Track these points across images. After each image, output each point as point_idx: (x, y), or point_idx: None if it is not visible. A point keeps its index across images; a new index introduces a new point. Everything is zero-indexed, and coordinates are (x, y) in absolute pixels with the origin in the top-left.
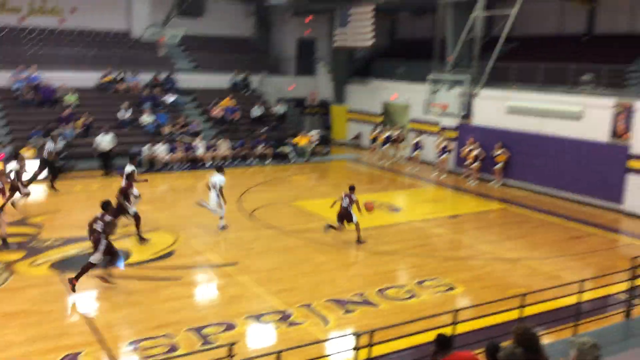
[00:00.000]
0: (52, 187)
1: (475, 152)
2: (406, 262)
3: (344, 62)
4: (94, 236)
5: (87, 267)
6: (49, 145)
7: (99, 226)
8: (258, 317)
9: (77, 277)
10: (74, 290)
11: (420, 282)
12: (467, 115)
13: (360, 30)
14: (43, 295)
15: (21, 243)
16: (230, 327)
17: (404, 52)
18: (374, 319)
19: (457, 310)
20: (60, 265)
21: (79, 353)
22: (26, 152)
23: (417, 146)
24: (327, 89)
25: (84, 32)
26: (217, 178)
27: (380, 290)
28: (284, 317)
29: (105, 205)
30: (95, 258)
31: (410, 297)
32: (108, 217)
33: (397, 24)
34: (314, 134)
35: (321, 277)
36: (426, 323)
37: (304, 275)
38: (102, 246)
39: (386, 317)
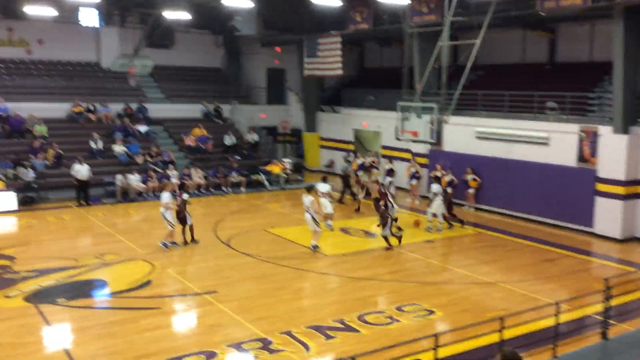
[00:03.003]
0: None
1: (447, 178)
2: (384, 288)
3: (314, 91)
4: None
5: None
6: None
7: None
8: (239, 345)
9: None
10: None
11: (399, 307)
12: (436, 141)
13: (329, 60)
14: (19, 328)
15: None
16: (211, 355)
17: (373, 81)
18: (356, 344)
19: (437, 335)
20: (34, 297)
21: None
22: None
23: (389, 173)
24: (299, 117)
25: (52, 63)
26: (307, 199)
27: (360, 315)
28: (265, 345)
29: None
30: None
31: (390, 323)
32: None
33: (365, 53)
34: (287, 162)
35: (300, 304)
36: (408, 348)
37: (283, 302)
38: None
39: (367, 342)
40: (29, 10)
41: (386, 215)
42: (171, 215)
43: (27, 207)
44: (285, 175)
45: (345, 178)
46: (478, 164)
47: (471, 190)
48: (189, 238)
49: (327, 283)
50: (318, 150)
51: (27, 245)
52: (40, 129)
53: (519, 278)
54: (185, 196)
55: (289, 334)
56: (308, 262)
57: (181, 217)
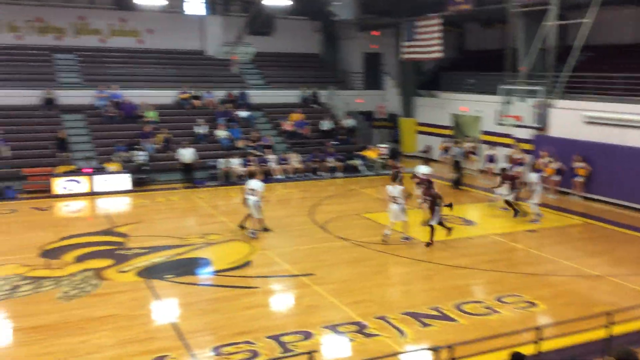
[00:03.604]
0: None
1: (554, 165)
2: (484, 277)
3: (411, 75)
4: None
5: None
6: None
7: None
8: (334, 327)
9: None
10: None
11: (499, 298)
12: (542, 126)
13: (427, 43)
14: (131, 301)
15: (109, 251)
16: (307, 335)
17: (473, 63)
18: (453, 333)
19: (539, 328)
20: (145, 273)
21: (166, 356)
22: (111, 166)
23: (490, 159)
24: (395, 102)
25: (161, 52)
26: (395, 189)
27: (457, 304)
28: (360, 328)
29: None
30: None
31: (489, 313)
32: None
33: (466, 35)
34: (383, 147)
35: (395, 290)
36: (507, 340)
37: (378, 287)
38: None
39: (465, 332)
40: (140, 1)
41: (437, 202)
42: (260, 205)
43: (139, 187)
44: (381, 161)
45: (457, 163)
46: (586, 151)
47: (579, 179)
48: (250, 225)
49: (423, 270)
50: (415, 135)
51: (139, 224)
52: (151, 115)
53: (630, 272)
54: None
55: (383, 318)
56: (403, 248)
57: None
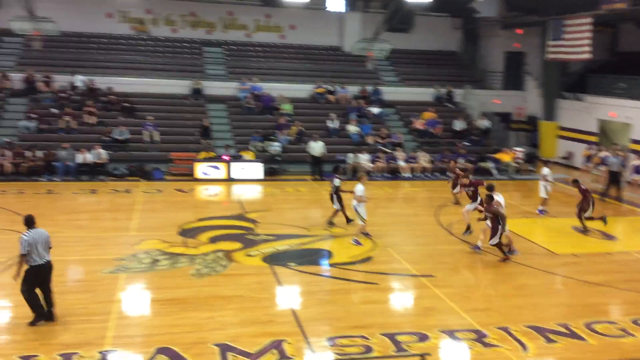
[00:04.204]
0: None
1: None
2: (619, 296)
3: (555, 76)
4: None
5: None
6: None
7: None
8: (452, 333)
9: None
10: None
11: (635, 321)
12: None
13: (575, 43)
14: (255, 284)
15: (239, 235)
16: (423, 337)
17: (626, 66)
18: (580, 353)
19: None
20: (270, 259)
21: (283, 341)
22: (246, 155)
23: (637, 170)
24: (536, 104)
25: (301, 47)
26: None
27: (588, 323)
28: (479, 337)
29: None
30: None
31: (623, 335)
32: None
33: (619, 35)
34: (519, 151)
35: (521, 301)
36: None
37: (502, 296)
38: None
39: (594, 353)
40: None
41: (499, 220)
42: (364, 209)
43: (271, 177)
44: (515, 165)
45: (614, 174)
46: None
47: None
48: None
49: (554, 283)
50: (555, 140)
51: (268, 212)
52: (287, 108)
53: None
54: (337, 181)
55: (505, 330)
56: (533, 258)
57: (338, 200)
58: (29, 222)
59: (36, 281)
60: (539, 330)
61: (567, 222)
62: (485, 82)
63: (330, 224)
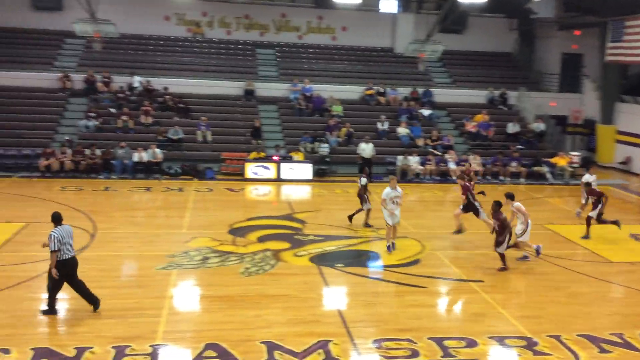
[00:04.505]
0: None
1: None
2: None
3: (614, 78)
4: None
5: None
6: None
7: None
8: (501, 339)
9: None
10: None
11: None
12: None
13: (636, 45)
14: (302, 284)
15: (287, 235)
16: (472, 343)
17: None
18: None
19: None
20: (317, 259)
21: (329, 341)
22: (296, 155)
23: None
24: (593, 108)
25: (352, 49)
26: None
27: None
28: (530, 345)
29: None
30: None
31: None
32: None
33: None
34: (575, 155)
35: (574, 309)
36: None
37: (554, 304)
38: None
39: None
40: None
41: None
42: (388, 213)
43: (319, 178)
44: (571, 169)
45: None
46: None
47: None
48: (367, 221)
49: (609, 292)
50: (613, 144)
51: (316, 212)
52: (337, 109)
53: None
54: (363, 180)
55: (557, 338)
56: (588, 266)
57: (360, 201)
58: (57, 219)
59: (64, 273)
60: (593, 339)
61: (625, 230)
62: (540, 84)
63: (367, 225)
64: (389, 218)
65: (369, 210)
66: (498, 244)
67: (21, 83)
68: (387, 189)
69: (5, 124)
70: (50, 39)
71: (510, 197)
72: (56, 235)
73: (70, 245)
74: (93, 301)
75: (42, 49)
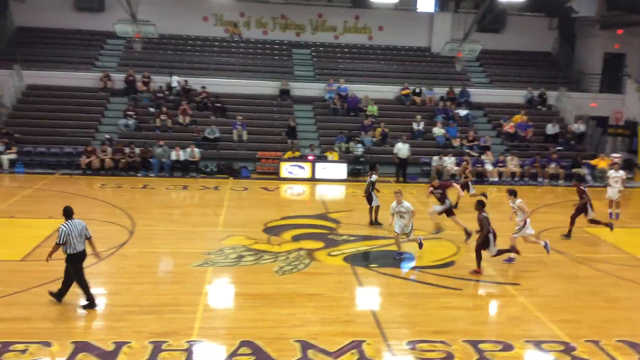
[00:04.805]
0: None
1: None
2: None
3: None
4: None
5: None
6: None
7: None
8: (538, 344)
9: None
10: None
11: None
12: None
13: None
14: (336, 283)
15: (322, 234)
16: (508, 347)
17: None
18: None
19: None
20: (351, 259)
21: (363, 342)
22: (331, 155)
23: None
24: (636, 109)
25: (388, 48)
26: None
27: None
28: (567, 350)
29: None
30: None
31: None
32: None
33: None
34: (616, 157)
35: (614, 314)
36: None
37: (593, 308)
38: None
39: None
40: None
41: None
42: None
43: (354, 178)
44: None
45: None
46: None
47: None
48: (374, 218)
49: None
50: None
51: (350, 212)
52: (372, 109)
53: None
54: (373, 177)
55: (596, 343)
56: (628, 271)
57: (367, 198)
58: (68, 213)
59: (76, 266)
60: (633, 345)
61: None
62: (581, 84)
63: (376, 223)
64: (397, 226)
65: (377, 207)
66: (483, 245)
67: (64, 82)
68: (393, 204)
69: (48, 122)
70: (92, 39)
71: (513, 193)
72: (64, 229)
73: (78, 241)
74: (90, 298)
75: (84, 49)
